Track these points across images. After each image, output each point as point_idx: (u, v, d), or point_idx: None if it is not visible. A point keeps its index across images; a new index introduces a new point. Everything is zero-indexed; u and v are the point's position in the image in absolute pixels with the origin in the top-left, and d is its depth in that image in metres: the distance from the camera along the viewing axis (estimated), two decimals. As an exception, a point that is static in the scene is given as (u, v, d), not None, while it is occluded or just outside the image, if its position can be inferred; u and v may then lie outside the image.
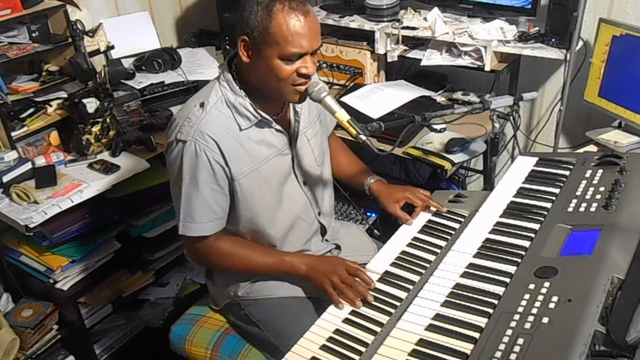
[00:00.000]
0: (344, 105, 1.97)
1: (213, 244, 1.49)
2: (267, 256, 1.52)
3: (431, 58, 2.34)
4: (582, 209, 1.33)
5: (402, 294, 1.30)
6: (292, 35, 1.28)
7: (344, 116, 1.41)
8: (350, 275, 1.37)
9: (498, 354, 0.99)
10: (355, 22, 2.48)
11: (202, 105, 1.41)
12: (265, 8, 1.29)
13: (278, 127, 1.48)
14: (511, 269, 1.24)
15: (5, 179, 1.97)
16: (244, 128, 1.42)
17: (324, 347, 1.20)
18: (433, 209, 1.59)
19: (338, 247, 1.72)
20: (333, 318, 1.28)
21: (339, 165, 1.79)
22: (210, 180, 1.40)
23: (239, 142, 1.42)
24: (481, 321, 1.12)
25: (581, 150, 2.10)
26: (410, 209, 1.62)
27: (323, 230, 1.69)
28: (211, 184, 1.41)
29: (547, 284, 1.11)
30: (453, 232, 1.49)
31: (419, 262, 1.40)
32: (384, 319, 1.24)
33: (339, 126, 1.54)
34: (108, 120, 2.15)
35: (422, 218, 1.58)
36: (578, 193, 1.40)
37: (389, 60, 2.45)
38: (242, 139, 1.42)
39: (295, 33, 1.28)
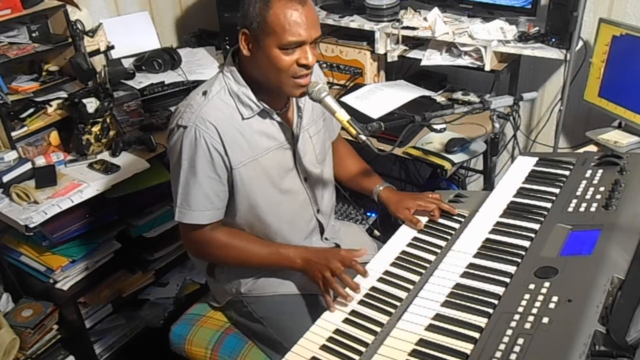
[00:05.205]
0: (344, 105, 1.97)
1: (210, 235, 1.49)
2: (263, 248, 1.52)
3: (431, 58, 2.34)
4: (582, 209, 1.33)
5: (402, 294, 1.30)
6: (289, 24, 1.30)
7: (344, 116, 1.42)
8: (345, 266, 1.38)
9: (498, 354, 0.99)
10: (355, 22, 2.48)
11: (204, 93, 1.43)
12: None
13: (279, 119, 1.49)
14: (511, 269, 1.24)
15: (5, 179, 1.97)
16: (246, 117, 1.43)
17: (324, 347, 1.20)
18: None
19: (338, 246, 1.71)
20: (333, 318, 1.28)
21: (347, 171, 1.79)
22: (209, 168, 1.41)
23: (240, 131, 1.43)
24: (481, 321, 1.11)
25: (581, 150, 2.10)
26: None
27: (321, 229, 1.69)
28: (209, 172, 1.42)
29: (547, 284, 1.11)
30: (453, 232, 1.49)
31: (419, 262, 1.41)
32: (384, 319, 1.24)
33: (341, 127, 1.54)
34: (108, 120, 2.15)
35: (422, 219, 1.57)
36: (578, 193, 1.40)
37: (389, 60, 2.45)
38: (244, 128, 1.43)
39: (293, 22, 1.30)
